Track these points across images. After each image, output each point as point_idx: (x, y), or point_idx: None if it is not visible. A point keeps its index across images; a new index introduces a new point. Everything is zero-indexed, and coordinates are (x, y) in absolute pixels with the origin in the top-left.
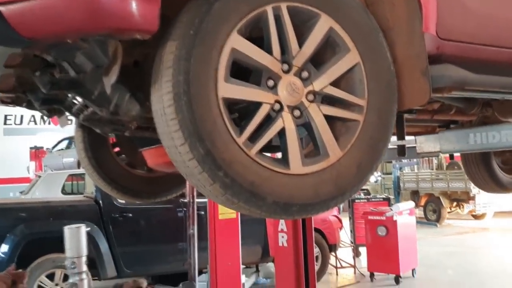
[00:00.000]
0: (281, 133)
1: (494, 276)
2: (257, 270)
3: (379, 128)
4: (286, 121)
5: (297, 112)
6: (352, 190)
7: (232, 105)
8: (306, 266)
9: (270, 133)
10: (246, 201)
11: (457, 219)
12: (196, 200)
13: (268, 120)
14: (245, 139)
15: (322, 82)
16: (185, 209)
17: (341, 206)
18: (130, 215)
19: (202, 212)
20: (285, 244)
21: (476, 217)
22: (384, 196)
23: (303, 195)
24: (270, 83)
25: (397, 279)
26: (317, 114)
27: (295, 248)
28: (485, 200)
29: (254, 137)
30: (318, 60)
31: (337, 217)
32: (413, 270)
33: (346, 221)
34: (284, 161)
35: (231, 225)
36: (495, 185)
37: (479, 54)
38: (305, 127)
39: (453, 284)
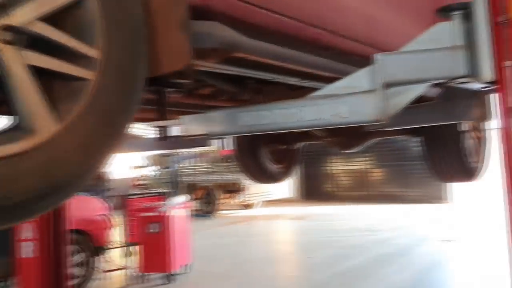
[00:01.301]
0: None
1: (262, 263)
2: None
3: (120, 94)
4: None
5: None
6: (75, 184)
7: None
8: (59, 278)
9: None
10: None
11: (230, 210)
12: None
13: None
14: None
15: (27, 14)
16: None
17: (112, 203)
18: None
19: None
20: (31, 255)
21: (246, 206)
22: (159, 191)
23: None
24: None
25: (168, 277)
26: (16, 63)
27: (44, 258)
28: (254, 190)
29: None
30: None
31: (105, 216)
32: (187, 266)
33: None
34: None
35: None
36: (266, 176)
37: (255, 17)
38: None
39: (226, 275)
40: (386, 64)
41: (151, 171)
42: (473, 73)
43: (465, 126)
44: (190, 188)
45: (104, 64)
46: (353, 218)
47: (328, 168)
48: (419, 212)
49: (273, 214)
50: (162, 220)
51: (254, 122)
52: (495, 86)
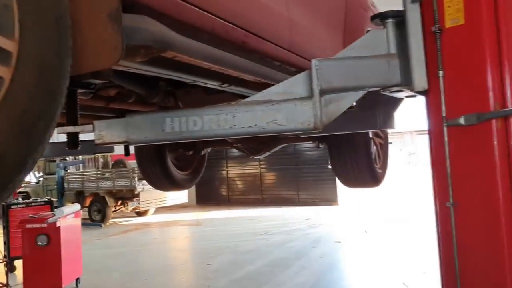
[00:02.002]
0: None
1: (157, 273)
2: None
3: (40, 94)
4: None
5: None
6: None
7: None
8: None
9: None
10: None
11: (122, 217)
12: None
13: None
14: None
15: None
16: None
17: None
18: None
19: None
20: None
21: (139, 214)
22: (46, 199)
23: None
24: None
25: None
26: None
27: None
28: (148, 197)
29: None
30: None
31: None
32: (77, 280)
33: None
34: None
35: None
36: (169, 183)
37: (183, 13)
38: None
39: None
40: (323, 70)
41: (33, 177)
42: (406, 82)
43: (370, 132)
44: (78, 196)
45: (21, 59)
46: (249, 222)
47: (223, 172)
48: (312, 215)
49: (168, 221)
50: (51, 232)
51: (183, 129)
52: (427, 95)
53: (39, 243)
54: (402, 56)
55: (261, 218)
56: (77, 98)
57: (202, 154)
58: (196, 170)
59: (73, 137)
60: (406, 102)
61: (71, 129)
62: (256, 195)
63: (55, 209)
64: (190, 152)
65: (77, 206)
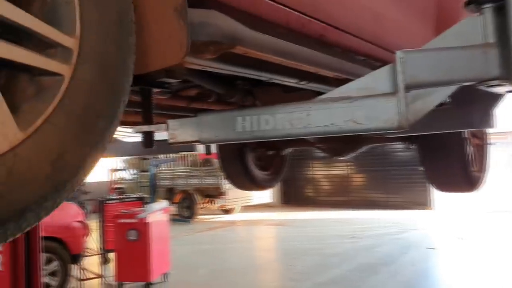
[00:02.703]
0: None
1: (242, 272)
2: None
3: (101, 94)
4: None
5: None
6: (39, 207)
7: None
8: None
9: None
10: None
11: (209, 214)
12: None
13: None
14: None
15: None
16: None
17: (89, 208)
18: None
19: None
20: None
21: (226, 211)
22: (137, 196)
23: None
24: None
25: (146, 287)
26: None
27: (13, 272)
28: (234, 195)
29: None
30: None
31: (82, 222)
32: (165, 275)
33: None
34: None
35: None
36: (250, 183)
37: (257, 7)
38: None
39: (205, 284)
40: (409, 63)
41: (128, 174)
42: (507, 75)
43: (466, 132)
44: (169, 192)
45: (83, 56)
46: (335, 224)
47: (308, 172)
48: (402, 219)
49: (253, 220)
50: (140, 227)
51: (255, 128)
52: None
53: (130, 237)
54: (501, 46)
55: (348, 221)
56: (152, 98)
57: (283, 154)
58: (277, 170)
59: (148, 136)
60: (508, 98)
61: (146, 128)
62: (343, 197)
63: (145, 205)
64: (271, 152)
65: (165, 203)
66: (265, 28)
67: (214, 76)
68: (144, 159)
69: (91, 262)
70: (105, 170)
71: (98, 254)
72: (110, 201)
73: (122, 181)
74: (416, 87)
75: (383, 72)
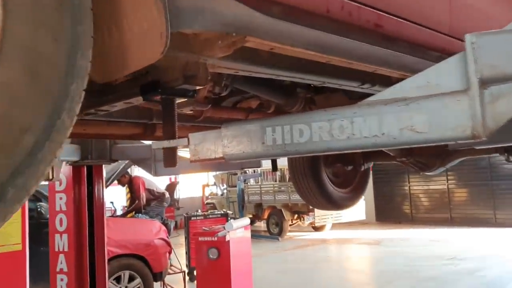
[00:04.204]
0: None
1: None
2: None
3: (28, 98)
4: None
5: None
6: None
7: None
8: None
9: None
10: None
11: (299, 231)
12: None
13: None
14: None
15: None
16: None
17: (172, 224)
18: None
19: None
20: None
21: (316, 228)
22: (222, 212)
23: None
24: None
25: None
26: None
27: None
28: (324, 212)
29: None
30: None
31: (164, 240)
32: None
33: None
34: None
35: (14, 259)
36: (326, 201)
37: None
38: None
39: None
40: (484, 50)
41: (219, 190)
42: None
43: None
44: (258, 208)
45: (4, 50)
46: (434, 244)
47: (404, 187)
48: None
49: (345, 238)
50: (220, 246)
51: (287, 141)
52: None
53: (210, 256)
54: None
55: (448, 240)
56: (174, 109)
57: (363, 169)
58: (358, 187)
59: (169, 152)
60: None
61: (166, 144)
62: (443, 214)
63: (227, 223)
64: (349, 167)
65: (246, 220)
66: (302, 19)
67: (270, 83)
68: (232, 174)
69: (175, 280)
70: (197, 186)
71: (181, 272)
72: (195, 217)
73: (212, 196)
74: (496, 81)
75: (449, 64)
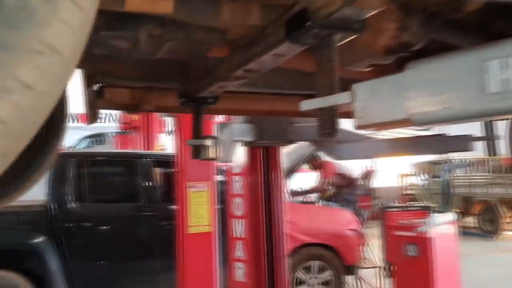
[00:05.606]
0: None
1: None
2: None
3: None
4: None
5: None
6: None
7: None
8: None
9: None
10: None
11: None
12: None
13: None
14: None
15: None
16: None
17: (366, 215)
18: (89, 224)
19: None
20: (243, 279)
21: None
22: (423, 205)
23: None
24: None
25: None
26: None
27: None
28: None
29: None
30: None
31: (356, 231)
32: None
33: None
34: None
35: (204, 240)
36: None
37: None
38: None
39: None
40: None
41: (419, 180)
42: None
43: None
44: (465, 202)
45: None
46: None
47: None
48: None
49: None
50: (421, 242)
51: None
52: None
53: (408, 252)
54: None
55: None
56: (334, 51)
57: None
58: None
59: (326, 115)
60: None
61: (320, 102)
62: None
63: (429, 217)
64: None
65: (451, 216)
66: None
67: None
68: (435, 163)
69: (370, 274)
70: (394, 175)
71: (376, 267)
72: (392, 209)
73: (412, 187)
74: None
75: None
